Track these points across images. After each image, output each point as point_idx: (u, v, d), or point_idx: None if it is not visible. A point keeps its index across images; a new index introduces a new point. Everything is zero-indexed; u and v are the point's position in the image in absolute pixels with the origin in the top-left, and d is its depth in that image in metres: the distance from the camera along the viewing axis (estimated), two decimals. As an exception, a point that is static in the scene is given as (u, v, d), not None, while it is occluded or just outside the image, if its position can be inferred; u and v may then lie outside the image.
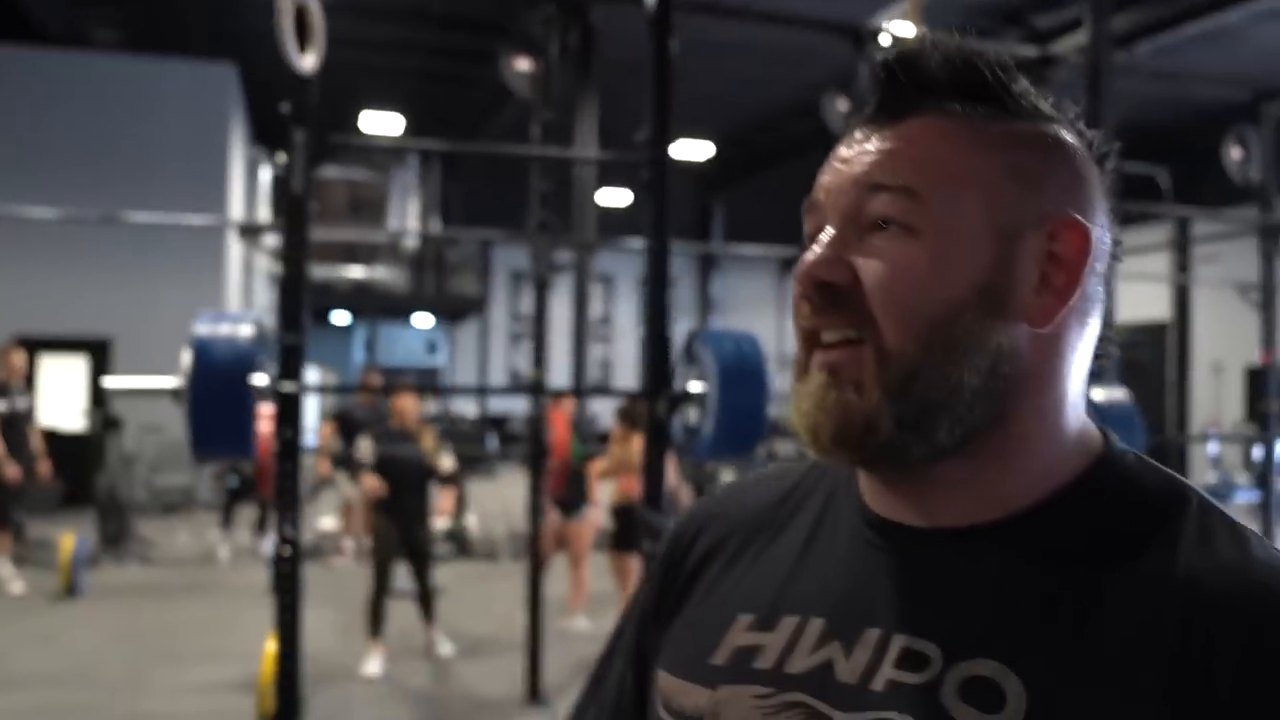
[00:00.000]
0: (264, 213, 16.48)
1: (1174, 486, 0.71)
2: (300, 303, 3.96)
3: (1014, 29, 11.55)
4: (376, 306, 19.98)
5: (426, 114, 15.79)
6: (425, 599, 6.14)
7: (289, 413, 4.01)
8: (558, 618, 6.57)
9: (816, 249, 0.72)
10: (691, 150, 15.79)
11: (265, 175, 16.92)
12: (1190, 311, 15.14)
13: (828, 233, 0.73)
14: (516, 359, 21.51)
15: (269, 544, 7.02)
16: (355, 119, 14.53)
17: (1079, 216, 0.71)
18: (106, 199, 10.77)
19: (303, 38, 3.67)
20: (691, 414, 3.61)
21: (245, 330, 3.64)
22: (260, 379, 3.63)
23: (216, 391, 3.49)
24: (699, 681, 0.75)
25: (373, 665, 5.83)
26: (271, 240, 14.54)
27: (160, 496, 12.04)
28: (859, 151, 0.73)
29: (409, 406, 6.20)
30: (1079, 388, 0.73)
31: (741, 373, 3.45)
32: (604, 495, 7.37)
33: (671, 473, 6.34)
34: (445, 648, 6.16)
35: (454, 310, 21.12)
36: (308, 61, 3.62)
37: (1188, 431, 14.94)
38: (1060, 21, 11.05)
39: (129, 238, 11.62)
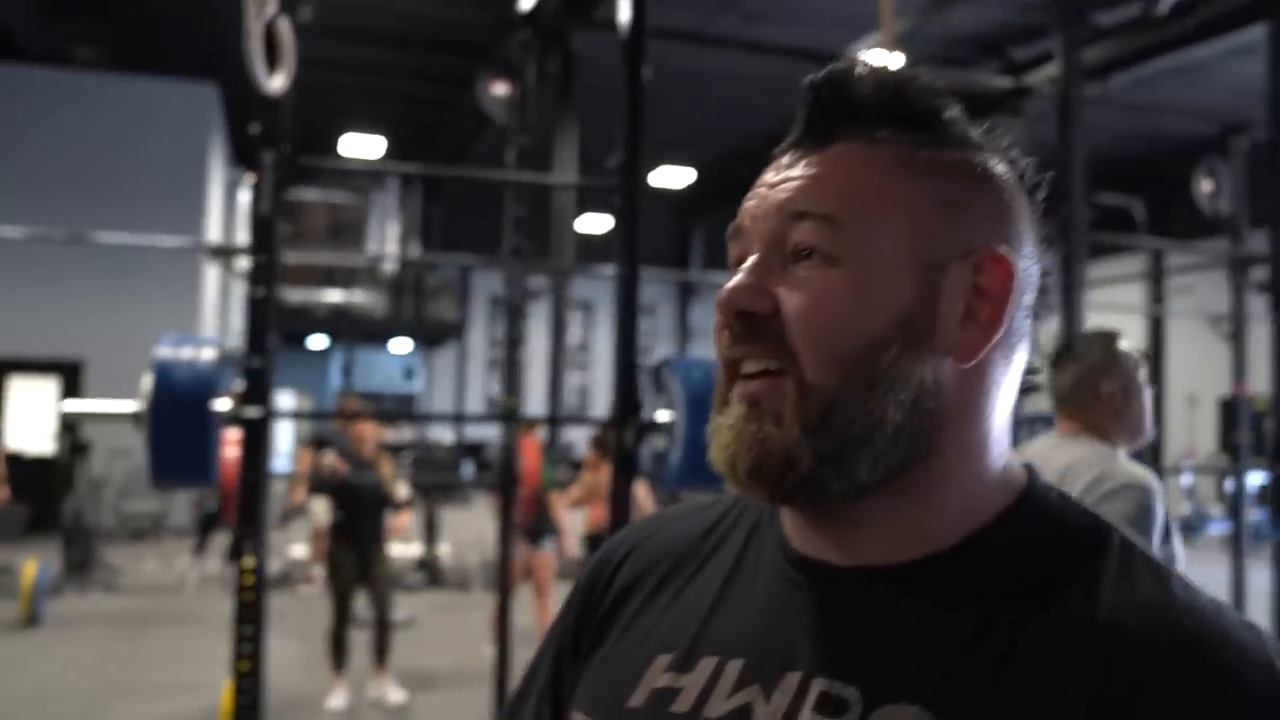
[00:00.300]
0: (243, 236, 16.43)
1: (1097, 525, 0.69)
2: (267, 326, 3.91)
3: (991, 60, 11.66)
4: (354, 331, 19.89)
5: (409, 137, 15.82)
6: (381, 635, 5.88)
7: (254, 438, 3.97)
8: (527, 648, 6.50)
9: (739, 276, 0.70)
10: (672, 177, 15.84)
11: (245, 197, 16.88)
12: (1165, 343, 15.25)
13: (751, 260, 0.70)
14: (494, 385, 21.46)
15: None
16: (336, 141, 14.52)
17: (1004, 249, 0.69)
18: (84, 218, 10.69)
19: (272, 58, 3.64)
20: (660, 442, 3.58)
21: (208, 354, 3.59)
22: (224, 404, 3.58)
23: (177, 416, 3.44)
24: None
25: (336, 699, 5.73)
26: (245, 263, 14.46)
27: (129, 522, 11.89)
28: (784, 177, 0.71)
29: (368, 433, 6.12)
30: (1004, 423, 0.71)
31: (710, 402, 3.42)
32: (576, 524, 7.31)
33: (645, 501, 6.30)
34: (396, 696, 5.88)
35: (432, 335, 21.05)
36: (276, 82, 3.59)
37: (1162, 463, 15.00)
38: (1037, 53, 11.16)
39: (104, 258, 11.55)
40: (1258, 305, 8.01)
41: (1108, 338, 2.37)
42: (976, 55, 11.71)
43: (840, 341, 0.66)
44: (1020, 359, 0.72)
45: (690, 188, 16.83)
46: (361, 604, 6.16)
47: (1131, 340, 2.45)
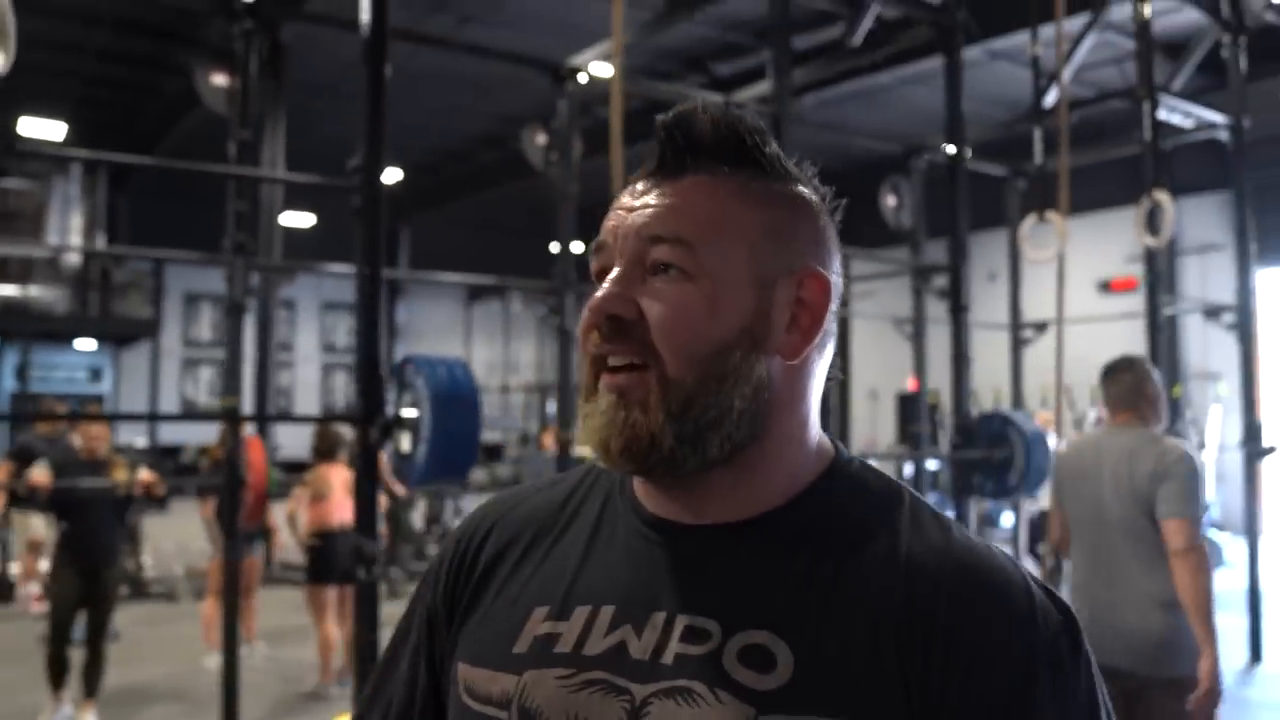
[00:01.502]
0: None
1: (891, 485, 0.89)
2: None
3: (696, 75, 12.27)
4: (31, 329, 18.26)
5: (91, 122, 14.74)
6: (93, 661, 5.39)
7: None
8: (248, 656, 6.30)
9: (606, 286, 0.84)
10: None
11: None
12: (850, 343, 16.56)
13: (616, 272, 0.84)
14: (189, 386, 20.38)
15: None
16: (8, 123, 13.35)
17: (821, 268, 0.86)
18: None
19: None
20: (404, 440, 3.62)
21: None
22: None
23: None
24: (504, 669, 0.84)
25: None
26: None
27: None
28: (642, 204, 0.85)
29: (100, 434, 5.58)
30: (818, 405, 0.89)
31: (455, 398, 3.50)
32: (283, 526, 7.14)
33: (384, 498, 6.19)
34: None
35: (121, 334, 19.67)
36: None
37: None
38: (736, 70, 11.86)
39: None
40: (934, 308, 8.90)
41: (1139, 358, 3.39)
42: (683, 70, 12.29)
43: (697, 346, 0.81)
44: (829, 353, 0.89)
45: (398, 186, 16.64)
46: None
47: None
